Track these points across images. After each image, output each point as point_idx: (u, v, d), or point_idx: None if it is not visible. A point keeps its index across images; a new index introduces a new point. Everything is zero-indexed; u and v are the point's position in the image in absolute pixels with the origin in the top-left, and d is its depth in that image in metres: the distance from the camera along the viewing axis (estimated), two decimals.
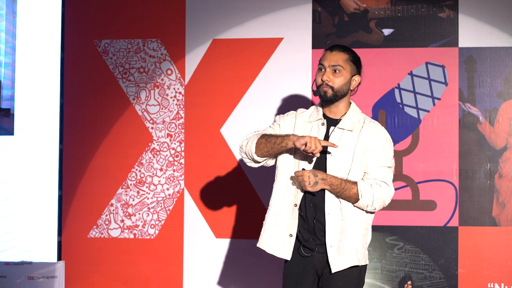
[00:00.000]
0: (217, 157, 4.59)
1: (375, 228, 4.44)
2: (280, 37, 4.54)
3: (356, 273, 3.27)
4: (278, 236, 3.30)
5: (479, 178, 4.39)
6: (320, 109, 3.36)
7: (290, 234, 3.27)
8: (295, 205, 3.27)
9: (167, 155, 4.63)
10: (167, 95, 4.64)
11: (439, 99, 4.43)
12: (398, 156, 4.44)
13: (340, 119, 3.31)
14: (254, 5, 4.57)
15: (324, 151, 3.24)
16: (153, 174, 4.64)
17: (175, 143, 4.63)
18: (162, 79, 4.65)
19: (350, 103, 3.36)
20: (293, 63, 4.51)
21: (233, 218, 4.57)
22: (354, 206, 3.23)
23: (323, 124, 3.32)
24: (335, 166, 3.24)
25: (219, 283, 4.57)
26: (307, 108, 3.45)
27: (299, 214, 3.26)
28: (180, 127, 4.63)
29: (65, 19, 4.73)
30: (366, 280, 4.42)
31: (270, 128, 3.39)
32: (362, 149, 3.25)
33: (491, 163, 4.39)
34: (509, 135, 4.39)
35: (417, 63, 4.45)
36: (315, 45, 4.52)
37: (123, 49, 4.68)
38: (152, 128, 4.65)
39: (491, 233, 4.38)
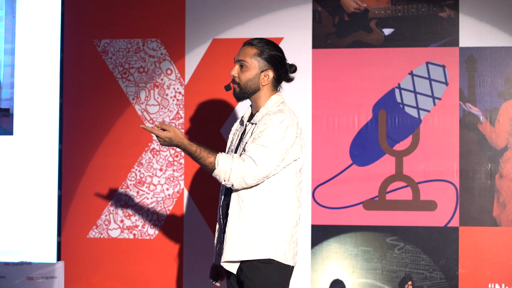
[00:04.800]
0: None
1: (375, 228, 4.44)
2: (280, 37, 4.53)
3: (269, 269, 3.08)
4: (216, 245, 3.29)
5: (480, 178, 4.38)
6: (249, 109, 3.31)
7: (220, 242, 3.25)
8: (218, 212, 3.26)
9: (167, 155, 4.63)
10: (167, 95, 4.64)
11: (439, 99, 4.42)
12: (399, 156, 4.44)
13: (254, 115, 3.22)
14: (254, 5, 4.57)
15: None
16: (153, 174, 4.64)
17: None
18: (162, 79, 4.65)
19: (272, 97, 3.21)
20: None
21: None
22: (213, 175, 3.04)
23: (242, 123, 3.29)
24: None
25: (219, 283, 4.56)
26: None
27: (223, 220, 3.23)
28: (180, 127, 4.62)
29: (65, 19, 4.72)
30: (367, 280, 4.42)
31: None
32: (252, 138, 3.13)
33: (491, 163, 4.38)
34: (510, 135, 4.38)
35: (418, 63, 4.44)
36: (315, 45, 4.51)
37: (123, 49, 4.67)
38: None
39: (492, 234, 4.37)
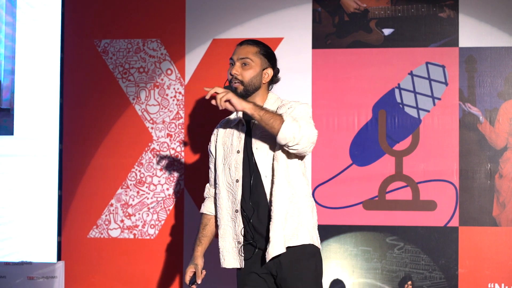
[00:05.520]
0: None
1: (375, 228, 4.44)
2: (280, 37, 4.54)
3: (311, 261, 3.22)
4: (230, 248, 3.29)
5: (480, 178, 4.39)
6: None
7: (238, 242, 3.25)
8: (236, 211, 3.24)
9: (167, 155, 4.63)
10: (167, 95, 4.64)
11: (439, 99, 4.43)
12: (398, 156, 4.44)
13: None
14: (254, 5, 4.57)
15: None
16: (153, 174, 4.64)
17: (175, 143, 4.63)
18: (162, 79, 4.65)
19: (270, 94, 3.31)
20: (293, 63, 4.50)
21: None
22: (278, 139, 3.05)
23: (242, 124, 3.29)
24: (263, 158, 3.20)
25: (219, 283, 4.57)
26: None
27: (242, 217, 3.24)
28: (180, 127, 4.63)
29: (65, 19, 4.73)
30: (366, 280, 4.42)
31: (209, 167, 3.40)
32: None
33: (491, 163, 4.38)
34: (510, 135, 4.39)
35: (417, 63, 4.44)
36: (315, 45, 4.51)
37: (123, 49, 4.68)
38: (152, 128, 4.65)
39: (492, 233, 4.38)
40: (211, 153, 3.41)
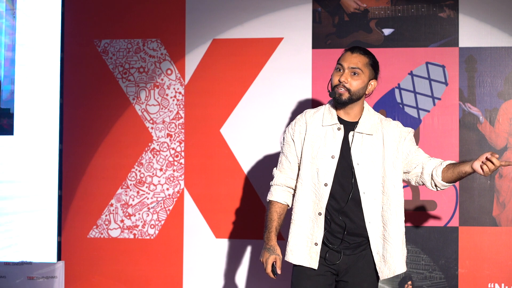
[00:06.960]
0: (217, 157, 4.59)
1: None
2: (280, 37, 4.54)
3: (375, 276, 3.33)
4: (302, 246, 3.25)
5: (480, 178, 4.39)
6: (334, 111, 3.29)
7: (315, 243, 3.23)
8: (319, 213, 3.22)
9: (167, 155, 4.63)
10: (167, 95, 4.64)
11: (439, 99, 4.43)
12: None
13: (357, 122, 3.26)
14: (254, 5, 4.57)
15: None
16: (153, 174, 4.64)
17: (175, 143, 4.63)
18: (162, 79, 4.65)
19: (366, 104, 3.34)
20: (293, 63, 4.51)
21: (233, 218, 4.57)
22: (446, 186, 3.27)
23: (339, 129, 3.25)
24: (365, 175, 3.21)
25: (219, 283, 4.57)
26: (310, 107, 3.43)
27: (325, 221, 3.23)
28: (180, 127, 4.63)
29: (65, 19, 4.73)
30: None
31: (285, 155, 3.33)
32: (393, 149, 3.25)
33: None
34: (510, 135, 4.39)
35: (417, 63, 4.45)
36: (315, 45, 4.51)
37: (123, 49, 4.68)
38: (152, 128, 4.65)
39: (492, 233, 4.38)
40: (293, 142, 3.32)
